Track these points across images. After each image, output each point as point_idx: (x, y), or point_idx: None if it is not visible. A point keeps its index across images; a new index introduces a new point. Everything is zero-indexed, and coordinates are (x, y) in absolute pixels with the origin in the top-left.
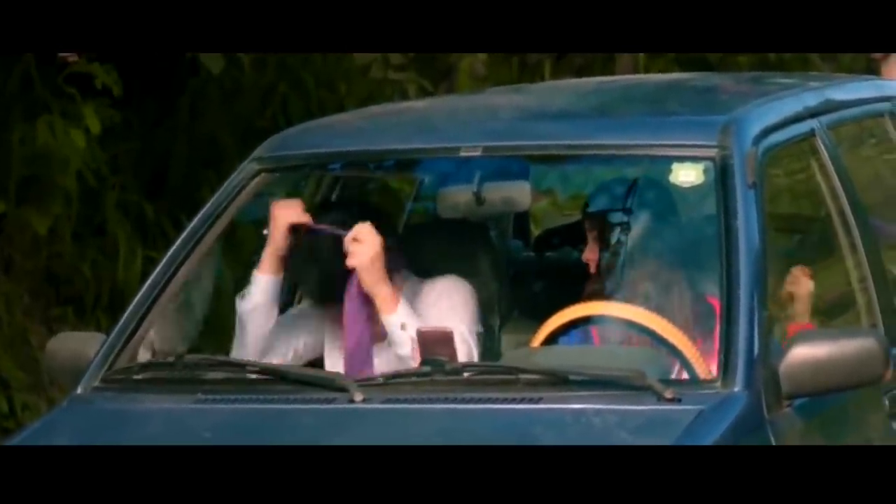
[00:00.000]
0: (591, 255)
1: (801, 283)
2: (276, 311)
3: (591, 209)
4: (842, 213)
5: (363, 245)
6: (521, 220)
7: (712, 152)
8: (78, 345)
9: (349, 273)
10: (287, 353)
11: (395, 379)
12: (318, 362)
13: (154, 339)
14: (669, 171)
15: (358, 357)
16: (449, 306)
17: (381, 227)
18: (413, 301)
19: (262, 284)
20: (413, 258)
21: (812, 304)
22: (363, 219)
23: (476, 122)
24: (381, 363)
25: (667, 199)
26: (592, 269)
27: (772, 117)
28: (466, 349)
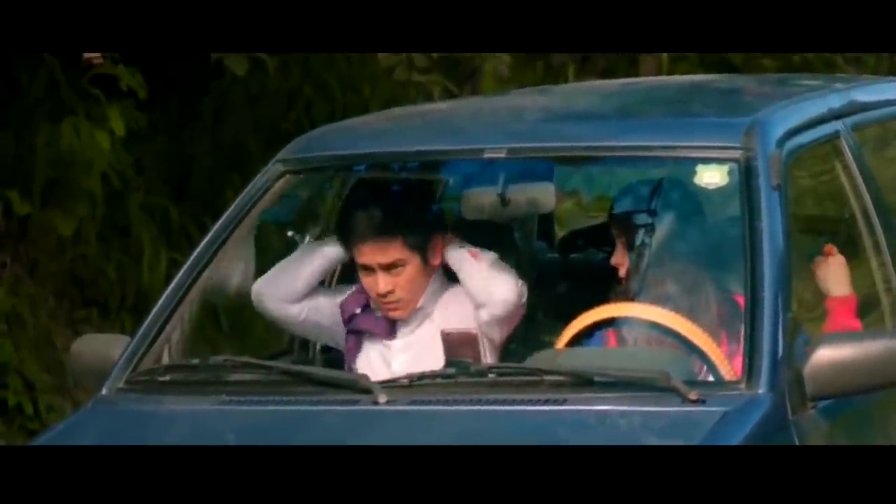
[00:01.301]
0: (619, 259)
1: (828, 261)
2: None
3: (617, 211)
4: (866, 215)
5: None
6: (546, 221)
7: (737, 154)
8: (102, 347)
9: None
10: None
11: (419, 380)
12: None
13: (178, 341)
14: (694, 172)
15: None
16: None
17: (427, 233)
18: (452, 308)
19: (330, 251)
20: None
21: (847, 276)
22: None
23: (500, 124)
24: (403, 364)
25: (691, 201)
26: (622, 273)
27: (796, 119)
28: None
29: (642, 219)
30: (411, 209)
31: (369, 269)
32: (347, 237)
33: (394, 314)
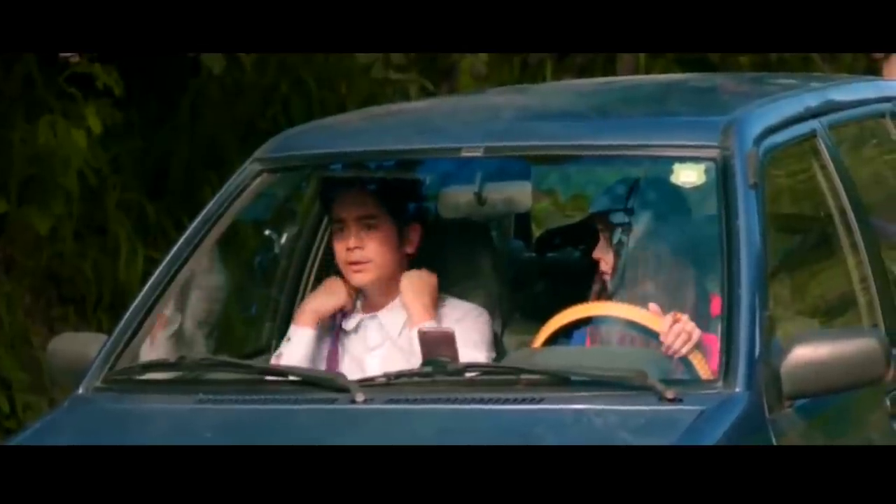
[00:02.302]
0: (601, 252)
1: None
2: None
3: (596, 209)
4: (843, 214)
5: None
6: (523, 220)
7: (714, 153)
8: (79, 345)
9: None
10: None
11: (397, 379)
12: None
13: (155, 340)
14: (671, 171)
15: None
16: (471, 340)
17: (406, 213)
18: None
19: (303, 338)
20: (414, 260)
21: None
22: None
23: (477, 123)
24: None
25: (668, 200)
26: (603, 267)
27: (773, 118)
28: None
29: (619, 218)
30: (394, 182)
31: (343, 227)
32: (329, 192)
33: (357, 277)
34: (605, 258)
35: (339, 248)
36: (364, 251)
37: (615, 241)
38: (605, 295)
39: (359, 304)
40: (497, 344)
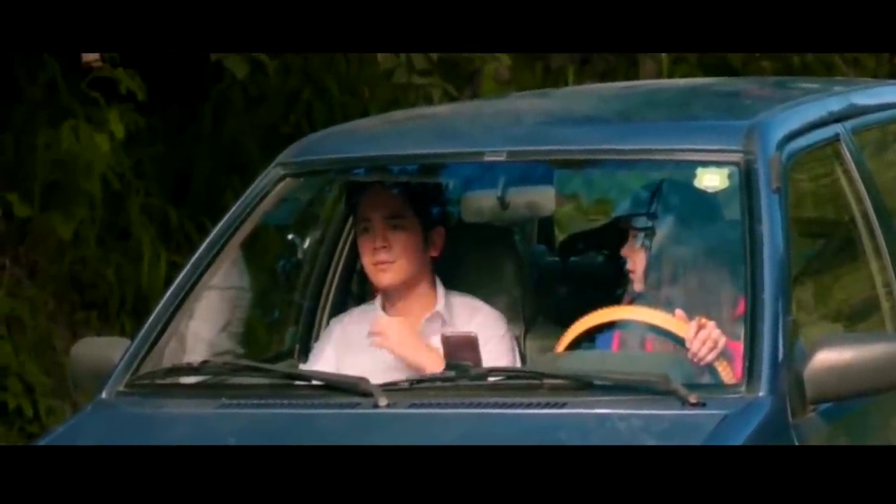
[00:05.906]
0: (628, 251)
1: None
2: None
3: (619, 213)
4: (866, 218)
5: (387, 334)
6: (546, 225)
7: (737, 157)
8: (102, 349)
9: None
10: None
11: (419, 384)
12: None
13: (178, 345)
14: (694, 175)
15: None
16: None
17: (431, 216)
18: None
19: None
20: (437, 264)
21: None
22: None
23: (500, 127)
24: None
25: (691, 204)
26: (630, 267)
27: (796, 122)
28: None
29: (642, 222)
30: (420, 185)
31: (370, 226)
32: (356, 192)
33: (382, 277)
34: (633, 257)
35: (365, 248)
36: (390, 250)
37: (638, 245)
38: (631, 295)
39: (382, 307)
40: (520, 348)
